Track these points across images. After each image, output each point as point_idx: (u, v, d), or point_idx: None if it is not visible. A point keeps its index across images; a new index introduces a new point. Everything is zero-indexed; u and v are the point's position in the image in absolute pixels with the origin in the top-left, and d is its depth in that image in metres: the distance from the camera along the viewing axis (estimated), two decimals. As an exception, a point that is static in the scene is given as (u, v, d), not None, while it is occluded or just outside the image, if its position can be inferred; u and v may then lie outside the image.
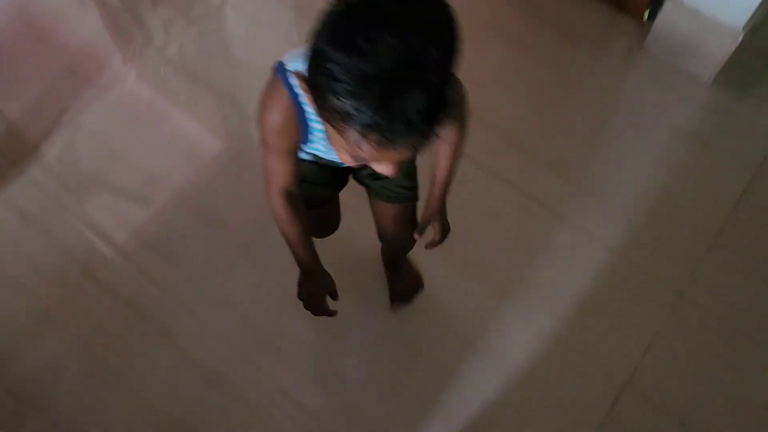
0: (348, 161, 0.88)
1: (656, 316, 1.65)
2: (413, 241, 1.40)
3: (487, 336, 1.61)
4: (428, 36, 0.73)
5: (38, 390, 1.59)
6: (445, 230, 1.34)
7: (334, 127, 0.81)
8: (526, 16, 2.07)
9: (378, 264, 1.65)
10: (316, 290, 1.29)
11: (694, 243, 1.74)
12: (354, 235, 1.56)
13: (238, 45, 2.06)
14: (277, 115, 1.00)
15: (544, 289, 1.68)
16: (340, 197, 1.37)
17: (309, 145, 1.09)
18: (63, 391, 1.59)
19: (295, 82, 0.95)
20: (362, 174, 1.30)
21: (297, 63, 0.95)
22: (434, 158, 1.16)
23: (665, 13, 1.90)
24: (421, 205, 1.28)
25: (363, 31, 0.72)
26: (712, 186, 1.82)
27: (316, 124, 1.02)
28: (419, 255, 1.56)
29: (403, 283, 1.67)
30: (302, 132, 1.05)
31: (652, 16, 1.97)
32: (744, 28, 1.79)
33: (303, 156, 1.20)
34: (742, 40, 1.83)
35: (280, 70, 0.98)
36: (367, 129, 0.76)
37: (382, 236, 1.47)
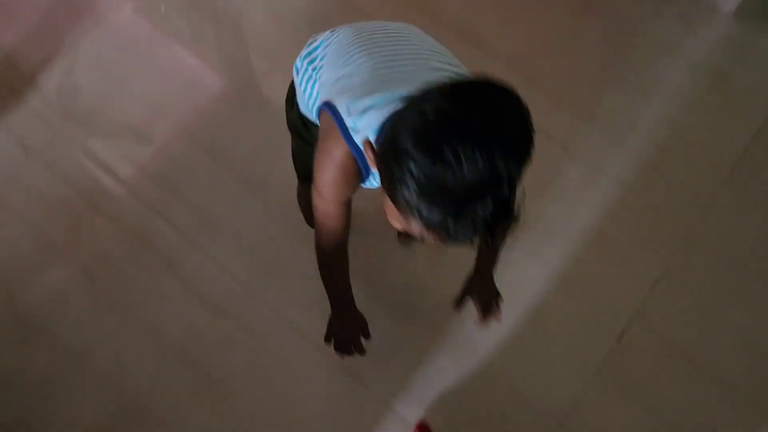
0: (397, 228, 0.87)
1: (666, 252, 1.63)
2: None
3: (497, 272, 1.60)
4: (511, 154, 0.73)
5: (44, 319, 1.59)
6: (487, 306, 1.33)
7: (395, 204, 0.80)
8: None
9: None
10: (349, 329, 1.30)
11: (707, 179, 1.70)
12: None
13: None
14: (334, 171, 0.98)
15: (553, 224, 1.66)
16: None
17: (364, 184, 1.05)
18: (69, 319, 1.59)
19: (357, 140, 0.93)
20: None
21: (357, 119, 0.92)
22: None
23: (686, -61, 1.82)
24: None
25: (452, 143, 0.71)
26: (728, 121, 1.77)
27: (375, 175, 0.97)
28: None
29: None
30: (360, 178, 1.02)
31: (673, -57, 1.89)
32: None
33: None
34: (766, -31, 1.76)
35: (338, 121, 0.95)
36: (431, 226, 0.76)
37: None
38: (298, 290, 1.60)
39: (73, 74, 1.84)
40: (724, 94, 1.80)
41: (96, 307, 1.61)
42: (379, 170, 0.82)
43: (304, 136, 1.29)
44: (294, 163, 1.45)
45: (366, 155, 0.86)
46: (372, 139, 0.89)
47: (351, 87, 0.97)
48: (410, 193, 0.75)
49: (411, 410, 1.49)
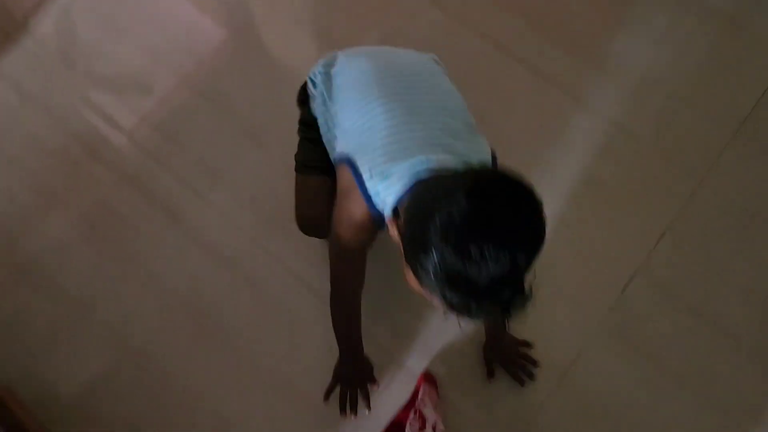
0: (415, 290, 0.91)
1: (673, 203, 1.60)
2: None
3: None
4: (530, 250, 0.80)
5: (45, 268, 1.59)
6: (514, 368, 1.43)
7: (417, 280, 0.86)
8: None
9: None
10: (356, 375, 1.38)
11: (717, 129, 1.67)
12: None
13: None
14: (354, 229, 1.07)
15: (558, 174, 1.63)
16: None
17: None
18: (70, 268, 1.59)
19: (377, 202, 1.01)
20: None
21: (378, 183, 1.00)
22: None
23: None
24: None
25: (478, 243, 0.77)
26: (741, 70, 1.72)
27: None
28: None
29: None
30: (377, 232, 1.10)
31: None
32: None
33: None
34: None
35: (359, 183, 1.02)
36: (451, 306, 0.83)
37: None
38: (300, 241, 1.57)
39: (70, 19, 1.79)
40: (739, 42, 1.75)
41: (98, 256, 1.60)
42: (404, 251, 0.88)
43: (308, 134, 1.34)
44: (297, 153, 1.43)
45: (390, 230, 0.93)
46: (392, 202, 0.97)
47: (371, 147, 1.05)
48: (435, 279, 0.81)
49: (415, 362, 1.49)
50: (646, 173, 1.63)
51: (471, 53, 1.73)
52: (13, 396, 1.48)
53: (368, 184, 1.02)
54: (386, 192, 0.99)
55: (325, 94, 1.24)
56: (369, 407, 1.38)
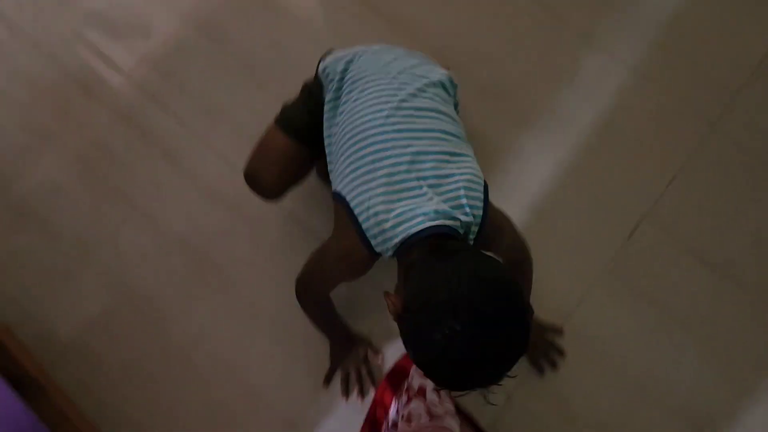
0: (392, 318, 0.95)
1: (684, 147, 1.56)
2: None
3: (507, 167, 1.54)
4: (516, 360, 0.87)
5: (38, 204, 1.56)
6: (534, 357, 1.39)
7: (405, 347, 0.90)
8: None
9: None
10: (352, 353, 1.37)
11: (732, 72, 1.61)
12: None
13: None
14: (346, 266, 1.08)
15: (567, 116, 1.58)
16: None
17: None
18: (63, 205, 1.56)
19: (372, 241, 1.03)
20: None
21: (374, 226, 1.01)
22: None
23: None
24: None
25: (473, 360, 0.84)
26: (759, 11, 1.65)
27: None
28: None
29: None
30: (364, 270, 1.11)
31: None
32: None
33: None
34: None
35: (355, 225, 1.03)
36: (438, 384, 0.89)
37: None
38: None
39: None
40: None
41: (92, 196, 1.57)
42: (403, 338, 0.91)
43: (308, 104, 1.27)
44: (288, 107, 1.33)
45: (387, 304, 0.94)
46: (395, 245, 1.01)
47: (367, 186, 1.04)
48: (422, 356, 0.87)
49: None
50: (657, 116, 1.58)
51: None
52: (12, 337, 1.47)
53: (364, 226, 1.03)
54: (383, 238, 1.02)
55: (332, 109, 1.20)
56: (374, 384, 1.36)
